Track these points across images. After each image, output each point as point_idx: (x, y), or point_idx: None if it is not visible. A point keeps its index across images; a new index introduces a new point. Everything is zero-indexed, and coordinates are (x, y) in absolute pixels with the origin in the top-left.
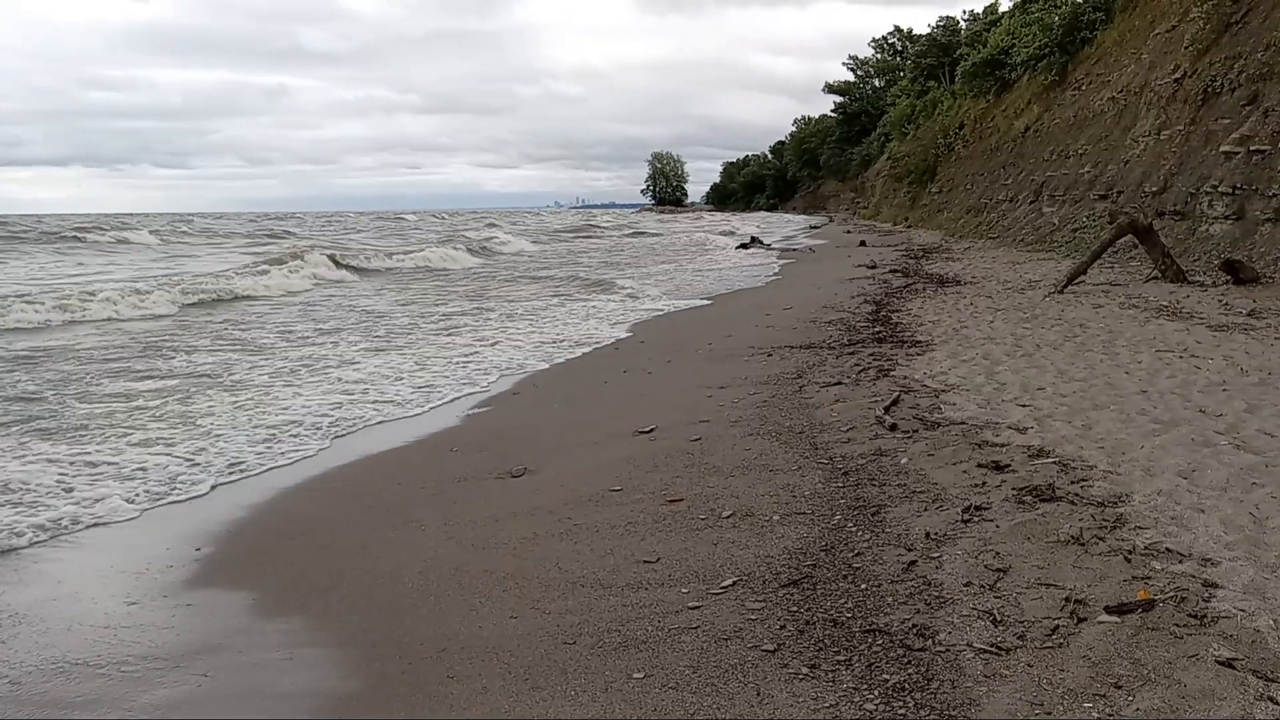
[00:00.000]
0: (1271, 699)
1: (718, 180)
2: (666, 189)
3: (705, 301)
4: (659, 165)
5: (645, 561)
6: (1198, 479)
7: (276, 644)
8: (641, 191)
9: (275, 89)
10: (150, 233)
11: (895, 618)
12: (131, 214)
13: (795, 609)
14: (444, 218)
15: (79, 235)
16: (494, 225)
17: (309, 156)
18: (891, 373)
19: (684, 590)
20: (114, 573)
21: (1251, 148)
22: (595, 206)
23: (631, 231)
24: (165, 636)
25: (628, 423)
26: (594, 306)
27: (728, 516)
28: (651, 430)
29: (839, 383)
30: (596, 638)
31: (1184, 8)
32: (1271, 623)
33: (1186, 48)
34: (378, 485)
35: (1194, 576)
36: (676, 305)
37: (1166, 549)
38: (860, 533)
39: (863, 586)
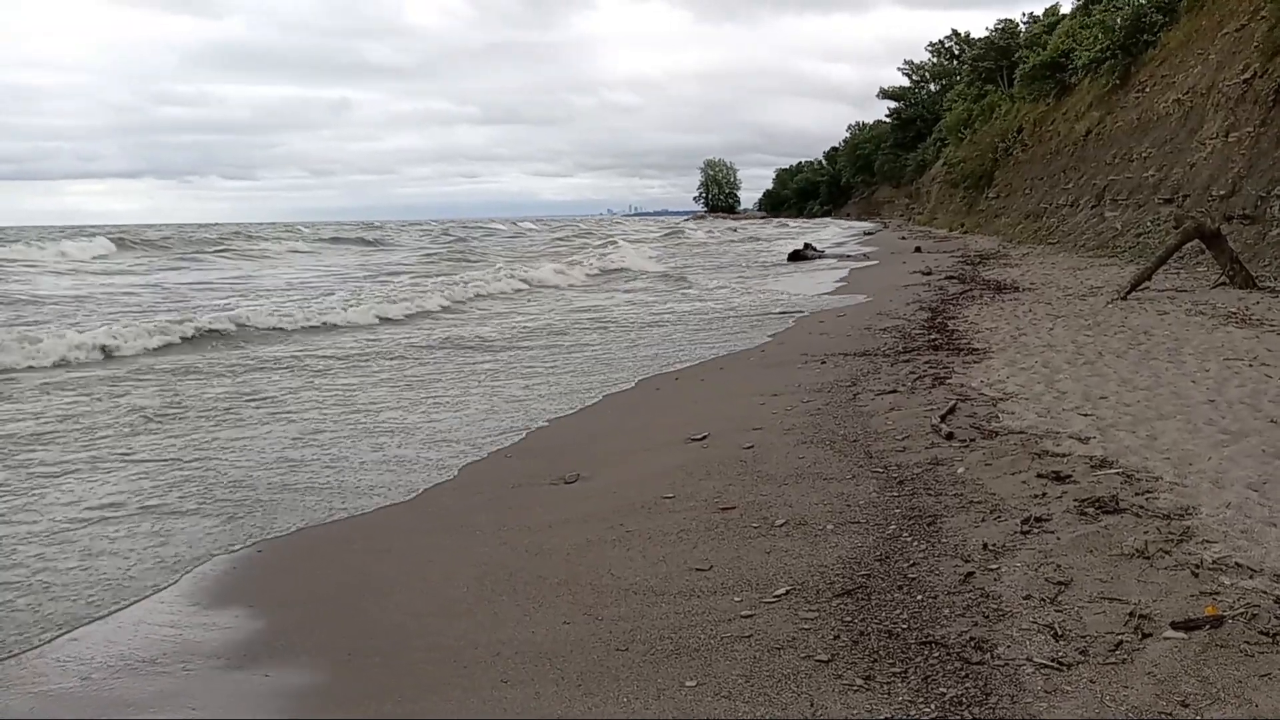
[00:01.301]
0: None
1: (770, 187)
2: (719, 196)
3: (760, 310)
4: (712, 172)
5: (698, 569)
6: (1269, 491)
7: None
8: (694, 199)
9: (338, 103)
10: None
11: (952, 630)
12: (209, 224)
13: (849, 619)
14: (515, 226)
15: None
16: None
17: (368, 167)
18: (947, 380)
19: (737, 599)
20: None
21: None
22: (648, 214)
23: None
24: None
25: (680, 430)
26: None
27: (780, 525)
28: (704, 437)
29: (894, 390)
30: (649, 645)
31: (1254, 6)
32: None
33: (1256, 47)
34: (433, 491)
35: (1265, 593)
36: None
37: (1236, 564)
38: (916, 543)
39: (918, 598)
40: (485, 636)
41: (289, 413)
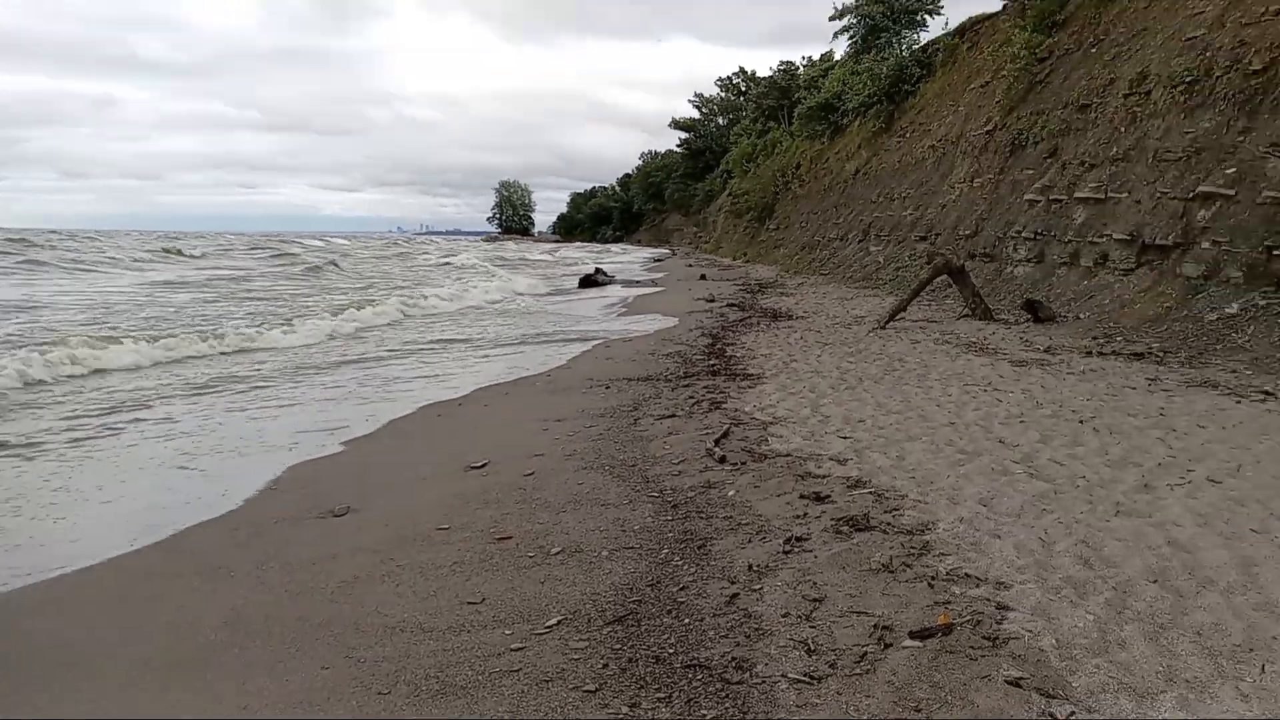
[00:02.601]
0: (1052, 715)
1: (565, 210)
2: (514, 218)
3: (546, 335)
4: (507, 194)
5: (470, 603)
6: (996, 506)
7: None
8: (488, 219)
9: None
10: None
11: (716, 651)
12: None
13: (619, 647)
14: (328, 242)
15: None
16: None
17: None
18: (724, 405)
19: (508, 631)
20: None
21: (1051, 197)
22: (439, 233)
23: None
24: None
25: (461, 457)
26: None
27: (557, 553)
28: (484, 465)
29: (673, 415)
30: (414, 686)
31: (997, 66)
32: (1054, 642)
33: (997, 103)
34: (190, 531)
35: (988, 600)
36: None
37: (965, 574)
38: (686, 566)
39: (686, 621)
40: (231, 688)
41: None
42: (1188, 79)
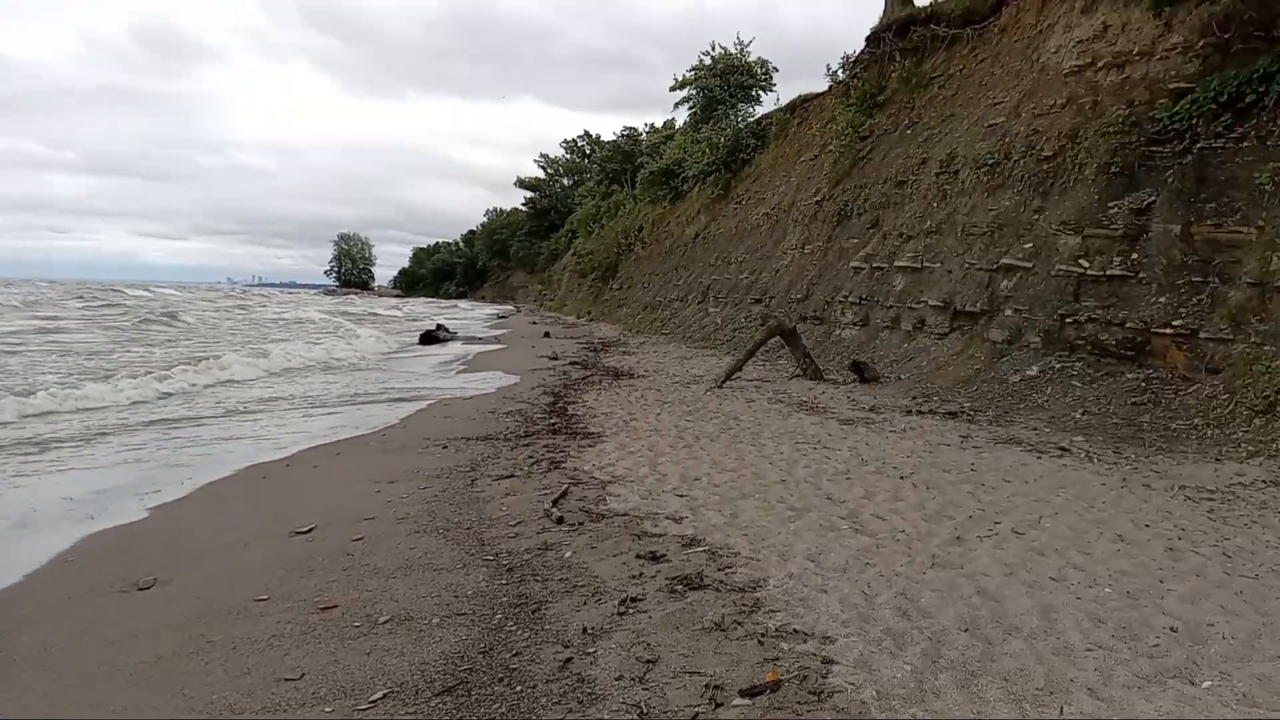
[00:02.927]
0: None
1: (407, 265)
2: (353, 271)
3: (383, 393)
4: (346, 246)
5: (287, 679)
6: (823, 561)
7: None
8: (325, 272)
9: None
10: None
11: (548, 719)
12: None
13: (448, 719)
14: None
15: None
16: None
17: None
18: (563, 464)
19: (328, 709)
20: None
21: (874, 265)
22: (274, 285)
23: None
24: None
25: (285, 522)
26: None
27: (385, 622)
28: (310, 530)
29: (511, 475)
30: None
31: (824, 141)
32: (875, 694)
33: (825, 175)
34: None
35: (815, 655)
36: (346, 396)
37: (794, 629)
38: (520, 632)
39: (518, 689)
40: None
41: None
42: (990, 161)
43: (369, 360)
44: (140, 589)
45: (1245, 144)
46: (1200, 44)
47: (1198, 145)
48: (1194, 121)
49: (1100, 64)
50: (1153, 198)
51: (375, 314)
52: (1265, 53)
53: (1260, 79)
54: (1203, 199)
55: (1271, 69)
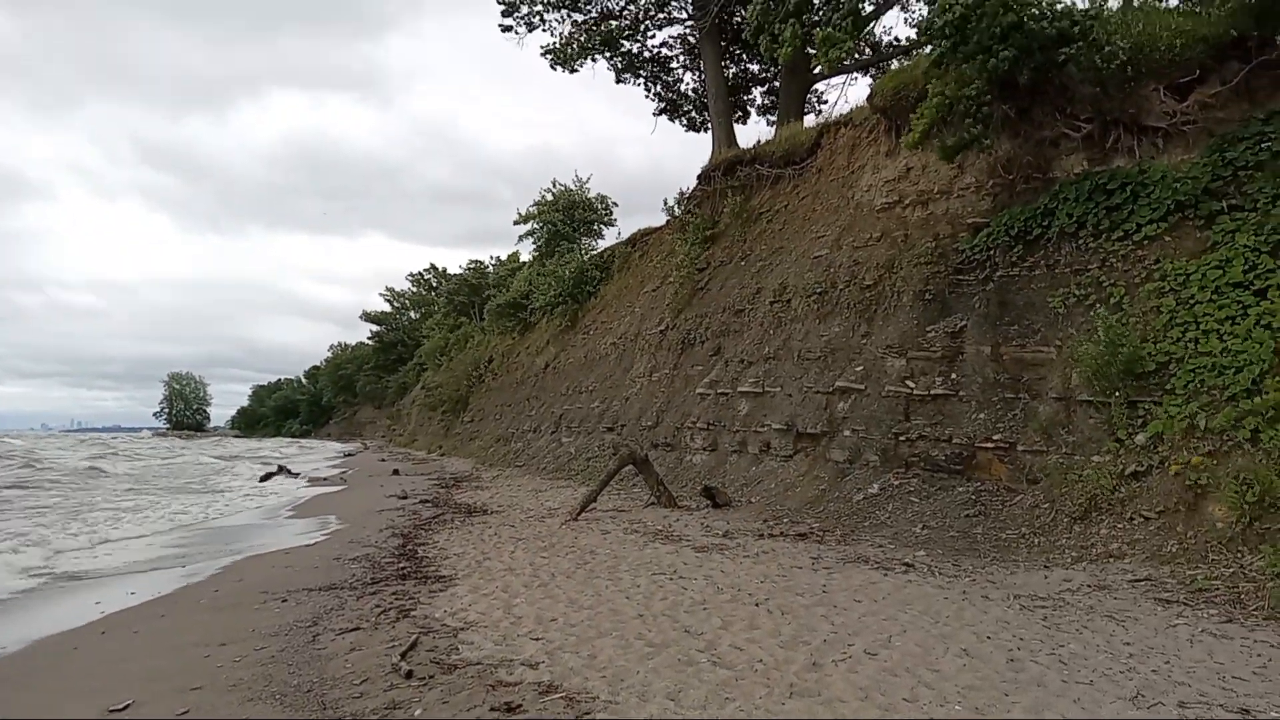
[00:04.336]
0: None
1: (247, 404)
2: (185, 412)
3: (217, 543)
4: (178, 386)
5: None
6: (683, 699)
7: None
8: (155, 414)
9: None
10: None
11: None
12: None
13: None
14: None
15: None
16: None
17: None
18: (412, 613)
19: None
20: None
21: (718, 390)
22: (95, 430)
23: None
24: None
25: (97, 698)
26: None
27: None
28: (126, 707)
29: (357, 628)
30: None
31: (664, 272)
32: None
33: (668, 305)
34: None
35: None
36: (173, 551)
37: None
38: None
39: None
40: None
41: None
42: (818, 290)
43: (197, 510)
44: None
45: (1038, 272)
46: (989, 184)
47: (998, 273)
48: (992, 252)
49: (907, 201)
50: (964, 322)
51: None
52: (1044, 191)
53: (1043, 214)
54: (1007, 322)
55: (1051, 205)
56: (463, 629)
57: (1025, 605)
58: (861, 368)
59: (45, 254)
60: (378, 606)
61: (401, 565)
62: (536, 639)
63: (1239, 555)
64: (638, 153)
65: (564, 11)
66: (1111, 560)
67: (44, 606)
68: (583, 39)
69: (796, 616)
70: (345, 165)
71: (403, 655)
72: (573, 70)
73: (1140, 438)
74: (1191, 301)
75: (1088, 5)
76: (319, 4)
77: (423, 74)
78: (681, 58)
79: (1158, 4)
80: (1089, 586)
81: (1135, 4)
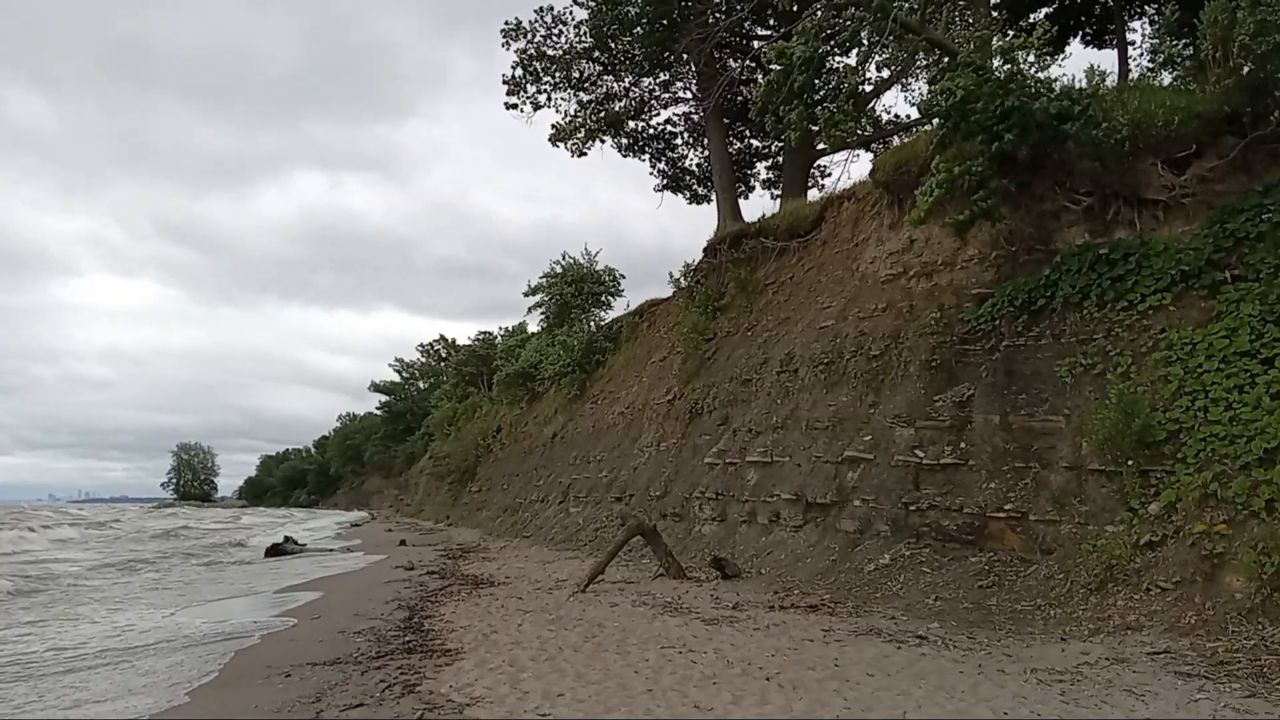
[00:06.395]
0: None
1: (254, 474)
2: (193, 482)
3: (231, 611)
4: (186, 456)
5: None
6: None
7: None
8: (163, 484)
9: None
10: None
11: None
12: None
13: None
14: None
15: None
16: None
17: None
18: (418, 688)
19: None
20: None
21: (727, 460)
22: (103, 500)
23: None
24: None
25: None
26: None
27: None
28: None
29: (361, 704)
30: None
31: (671, 343)
32: None
33: (675, 375)
34: None
35: None
36: (180, 621)
37: None
38: None
39: None
40: None
41: None
42: (825, 360)
43: (201, 580)
44: None
45: (1044, 341)
46: (992, 255)
47: (1004, 343)
48: (997, 322)
49: (911, 273)
50: (971, 391)
51: (192, 528)
52: (1046, 262)
53: (1046, 285)
54: (1014, 391)
55: (1054, 277)
56: (469, 704)
57: (1042, 679)
58: (870, 437)
59: (62, 327)
60: (382, 681)
61: (407, 639)
62: (544, 715)
63: (1259, 627)
64: (645, 225)
65: (569, 91)
66: (1129, 632)
67: (41, 701)
68: (589, 123)
69: (809, 691)
70: (360, 240)
71: None
72: (581, 154)
73: (1154, 507)
74: (1200, 370)
75: (1086, 84)
76: (345, 89)
77: (438, 154)
78: (685, 135)
79: (1153, 82)
80: (1107, 659)
81: (1131, 83)
